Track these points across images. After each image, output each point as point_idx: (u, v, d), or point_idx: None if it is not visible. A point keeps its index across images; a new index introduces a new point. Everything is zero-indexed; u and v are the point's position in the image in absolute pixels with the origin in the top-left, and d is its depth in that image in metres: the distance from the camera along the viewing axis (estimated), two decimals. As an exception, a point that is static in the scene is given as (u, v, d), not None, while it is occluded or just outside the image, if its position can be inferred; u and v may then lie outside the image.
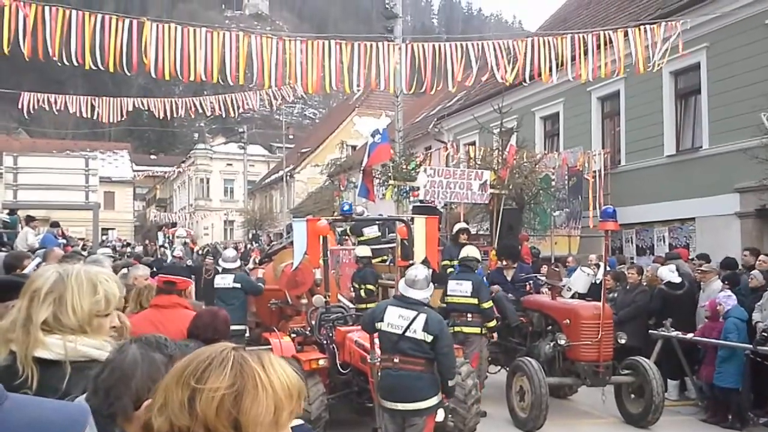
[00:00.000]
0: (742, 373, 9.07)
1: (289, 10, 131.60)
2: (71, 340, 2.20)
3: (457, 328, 9.31)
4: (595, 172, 17.34)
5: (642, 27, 12.07)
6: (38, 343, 2.18)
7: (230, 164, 62.64)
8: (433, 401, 6.17)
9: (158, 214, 62.98)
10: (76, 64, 9.97)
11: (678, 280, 10.74)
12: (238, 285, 11.06)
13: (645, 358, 9.62)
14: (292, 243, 10.84)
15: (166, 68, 10.21)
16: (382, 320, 6.31)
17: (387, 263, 12.70)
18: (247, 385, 1.27)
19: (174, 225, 44.19)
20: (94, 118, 19.73)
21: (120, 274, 6.84)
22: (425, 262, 9.03)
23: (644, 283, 11.49)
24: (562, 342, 9.27)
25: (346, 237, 15.18)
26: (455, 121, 26.31)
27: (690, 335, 10.04)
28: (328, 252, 9.53)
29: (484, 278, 10.42)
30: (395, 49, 11.70)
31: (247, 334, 11.21)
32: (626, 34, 12.02)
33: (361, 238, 13.65)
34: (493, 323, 9.66)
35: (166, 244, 28.56)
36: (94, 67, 10.22)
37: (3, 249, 12.80)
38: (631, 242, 17.18)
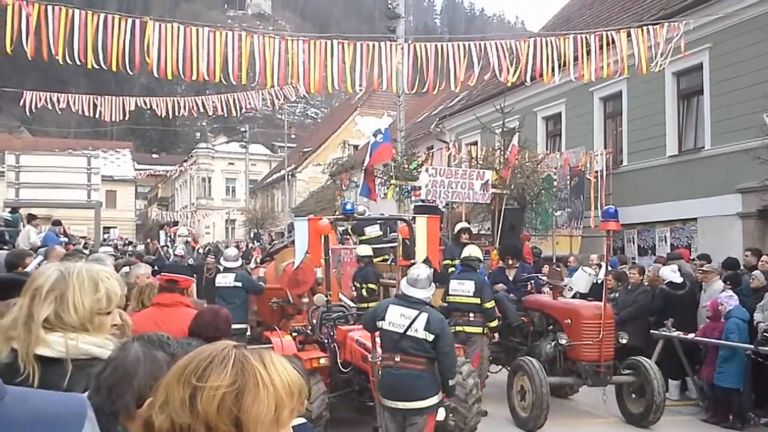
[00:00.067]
0: (743, 373, 9.06)
1: (292, 10, 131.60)
2: (73, 338, 2.20)
3: (458, 328, 9.31)
4: (597, 172, 17.33)
5: (645, 27, 12.08)
6: (40, 340, 2.18)
7: (232, 163, 62.67)
8: (433, 400, 6.18)
9: (160, 213, 63.07)
10: (78, 63, 9.99)
11: (680, 280, 10.74)
12: (239, 284, 11.07)
13: (646, 358, 9.62)
14: (293, 242, 10.84)
15: (168, 67, 10.23)
16: (383, 319, 6.32)
17: (388, 263, 12.70)
18: (248, 383, 1.28)
19: (176, 224, 44.22)
20: (97, 116, 19.77)
21: (122, 273, 6.85)
22: (427, 261, 9.04)
23: (646, 283, 11.49)
24: (564, 342, 9.28)
25: (348, 236, 15.19)
26: (457, 120, 26.30)
27: (691, 335, 10.04)
28: (330, 251, 9.53)
29: (486, 278, 10.43)
30: (397, 49, 11.71)
31: (248, 333, 11.22)
32: (629, 34, 12.02)
33: (363, 238, 13.66)
34: (495, 323, 9.66)
35: (168, 243, 28.57)
36: (96, 67, 10.24)
37: (5, 247, 12.81)
38: (633, 242, 17.17)
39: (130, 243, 37.49)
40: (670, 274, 10.79)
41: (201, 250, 26.08)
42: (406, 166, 19.22)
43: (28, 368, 2.13)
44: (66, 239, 18.98)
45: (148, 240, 38.65)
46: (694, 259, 12.65)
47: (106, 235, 34.65)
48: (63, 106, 18.89)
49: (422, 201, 15.09)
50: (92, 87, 46.67)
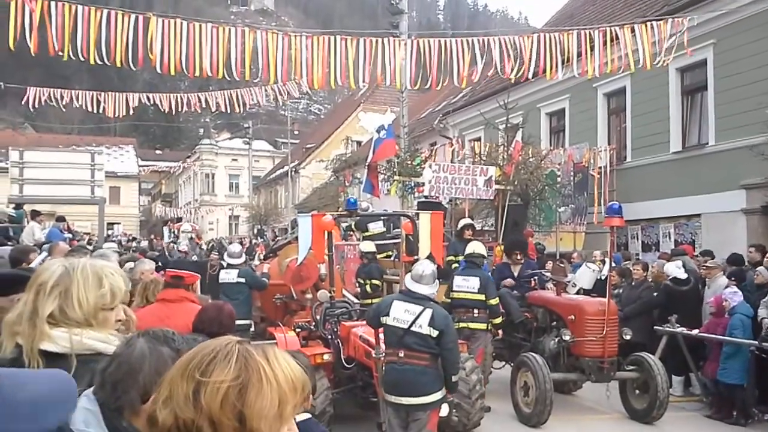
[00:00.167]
0: (747, 369, 9.06)
1: (295, 6, 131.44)
2: (77, 334, 2.21)
3: (463, 324, 9.30)
4: (600, 168, 17.31)
5: (649, 23, 12.04)
6: (44, 336, 2.19)
7: (235, 159, 62.71)
8: (437, 396, 6.18)
9: (164, 209, 63.11)
10: (82, 59, 9.99)
11: (684, 276, 10.72)
12: (243, 280, 11.08)
13: (650, 354, 9.61)
14: (296, 238, 10.85)
15: (171, 63, 10.24)
16: (387, 315, 6.33)
17: (392, 259, 12.71)
18: (251, 379, 1.28)
19: (179, 220, 44.34)
20: (100, 113, 19.78)
21: (126, 269, 6.86)
22: (430, 257, 9.04)
23: (650, 280, 11.48)
24: (567, 338, 9.27)
25: (351, 232, 15.19)
26: (460, 116, 26.27)
27: (695, 331, 10.04)
28: (333, 247, 9.54)
29: (490, 273, 10.43)
30: (401, 45, 11.69)
31: (252, 329, 11.23)
32: (633, 30, 11.99)
33: (366, 234, 13.66)
34: (499, 320, 9.67)
35: (173, 239, 28.64)
36: (99, 63, 10.24)
37: (9, 243, 12.82)
38: (637, 238, 17.14)
39: (134, 239, 37.56)
40: (675, 270, 10.78)
41: (204, 247, 26.15)
42: (409, 162, 19.24)
43: (32, 363, 2.13)
44: (70, 235, 19.02)
45: (152, 236, 38.74)
46: (697, 256, 12.64)
47: (110, 231, 34.70)
48: (66, 102, 18.91)
49: (425, 197, 15.10)
50: (95, 83, 46.70)
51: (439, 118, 27.67)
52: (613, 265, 10.74)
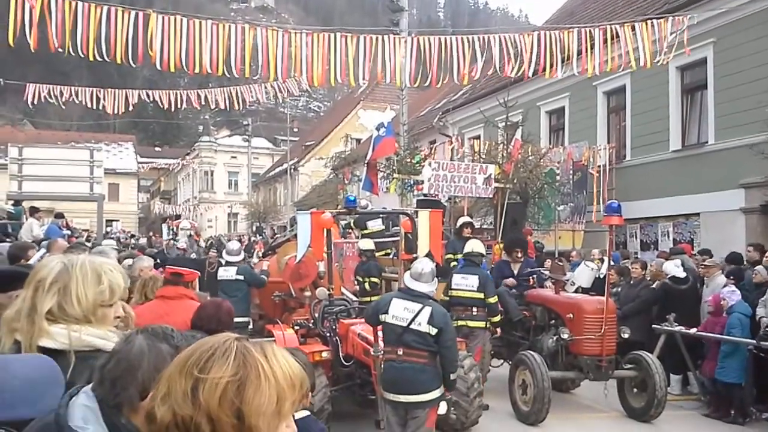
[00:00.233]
0: (745, 368, 9.07)
1: (295, 3, 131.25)
2: (76, 330, 2.21)
3: (461, 322, 9.30)
4: (600, 166, 17.31)
5: (649, 21, 12.03)
6: (43, 332, 2.19)
7: (234, 157, 62.66)
8: (435, 394, 6.19)
9: (162, 207, 63.06)
10: (81, 55, 9.98)
11: (683, 275, 10.73)
12: (241, 277, 11.08)
13: (648, 352, 9.62)
14: (295, 236, 10.84)
15: (171, 60, 10.22)
16: (386, 312, 6.33)
17: (390, 257, 12.71)
18: (249, 375, 1.28)
19: (178, 217, 44.28)
20: (99, 109, 19.77)
21: (124, 266, 6.85)
22: (429, 255, 9.04)
23: (648, 278, 11.49)
24: (565, 336, 9.28)
25: (350, 230, 15.19)
26: (460, 114, 26.27)
27: (693, 330, 10.04)
28: (332, 245, 9.54)
29: (489, 271, 10.43)
30: (401, 43, 11.67)
31: (251, 326, 11.24)
32: (633, 28, 11.98)
33: (365, 232, 13.66)
34: (497, 318, 9.67)
35: (172, 237, 28.62)
36: (99, 59, 10.22)
37: (7, 240, 12.82)
38: (636, 237, 17.15)
39: (133, 236, 37.54)
40: (674, 268, 10.78)
41: (203, 244, 26.13)
42: (408, 160, 19.22)
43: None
44: (68, 232, 19.04)
45: (151, 233, 38.72)
46: (695, 254, 12.65)
47: (108, 229, 34.67)
48: (66, 98, 18.89)
49: (425, 195, 15.10)
50: (95, 79, 46.56)
51: (439, 116, 27.66)
52: (612, 263, 10.75)
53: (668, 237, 16.08)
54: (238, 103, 19.94)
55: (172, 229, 31.04)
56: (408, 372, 6.15)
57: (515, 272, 10.74)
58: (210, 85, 33.71)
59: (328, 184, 34.79)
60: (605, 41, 12.30)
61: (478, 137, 22.24)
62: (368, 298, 10.35)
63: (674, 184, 15.64)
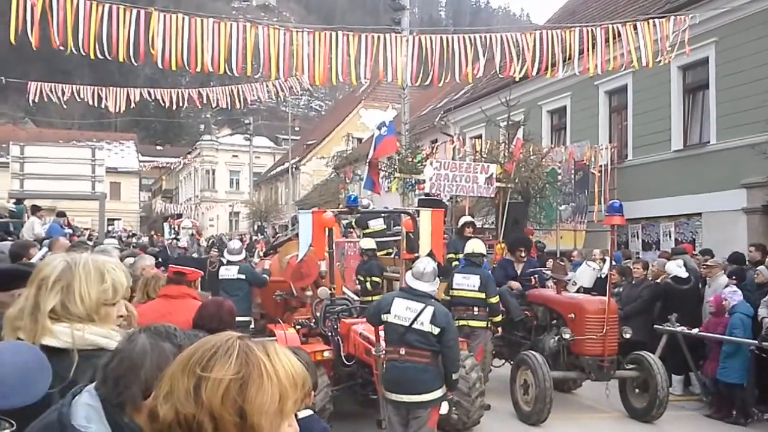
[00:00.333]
0: (747, 368, 9.06)
1: (296, 1, 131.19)
2: (79, 329, 2.21)
3: (462, 322, 9.28)
4: (601, 166, 17.29)
5: (651, 21, 12.02)
6: (46, 331, 2.19)
7: (236, 156, 62.70)
8: (437, 393, 6.18)
9: (164, 205, 63.10)
10: (83, 54, 9.97)
11: (685, 275, 10.71)
12: (243, 276, 11.07)
13: (650, 352, 9.60)
14: (297, 235, 10.85)
15: (172, 59, 10.21)
16: (389, 312, 6.33)
17: (392, 256, 12.70)
18: (252, 374, 1.28)
19: (180, 216, 44.29)
20: (101, 108, 19.77)
21: (125, 264, 6.85)
22: (430, 255, 9.03)
23: (650, 278, 11.48)
24: (567, 336, 9.27)
25: (352, 229, 15.18)
26: (462, 114, 26.26)
27: (695, 330, 10.03)
28: (334, 244, 9.54)
29: (491, 271, 10.42)
30: (402, 42, 11.66)
31: (252, 326, 11.23)
32: (635, 27, 11.97)
33: (367, 231, 13.65)
34: (499, 318, 9.67)
35: (174, 235, 28.62)
36: (101, 57, 10.22)
37: (9, 238, 12.83)
38: (637, 237, 17.14)
39: (134, 235, 37.57)
40: (676, 269, 10.77)
41: (204, 243, 26.14)
42: (410, 159, 19.22)
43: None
44: (70, 231, 19.04)
45: (153, 232, 38.74)
46: (696, 254, 12.64)
47: (110, 227, 34.72)
48: (68, 96, 18.90)
49: (426, 194, 15.09)
50: (96, 78, 46.56)
51: (440, 116, 27.65)
52: (614, 263, 10.73)
53: (670, 237, 16.07)
54: (240, 101, 19.95)
55: (174, 228, 31.03)
56: (410, 372, 6.15)
57: (518, 272, 10.73)
58: (211, 83, 33.73)
59: (329, 183, 34.82)
60: (607, 40, 12.29)
61: (480, 136, 22.23)
62: (370, 298, 10.34)
63: (676, 184, 15.62)
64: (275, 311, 10.96)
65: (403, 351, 6.20)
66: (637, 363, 9.40)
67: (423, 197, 15.63)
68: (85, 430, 1.68)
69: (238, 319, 5.38)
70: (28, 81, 19.70)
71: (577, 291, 10.35)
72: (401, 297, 6.42)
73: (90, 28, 9.71)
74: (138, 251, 11.67)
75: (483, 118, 18.68)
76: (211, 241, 26.95)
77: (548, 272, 11.31)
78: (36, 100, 19.32)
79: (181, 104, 20.70)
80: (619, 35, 12.17)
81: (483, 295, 9.42)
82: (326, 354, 8.08)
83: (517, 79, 13.36)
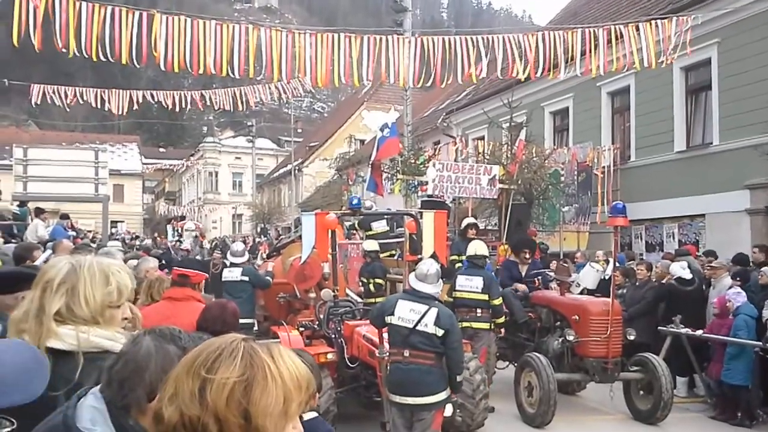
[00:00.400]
0: (752, 370, 9.03)
1: (299, 3, 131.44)
2: (84, 331, 2.21)
3: (465, 324, 9.26)
4: (604, 167, 17.27)
5: (653, 22, 12.01)
6: (51, 333, 2.19)
7: (239, 158, 62.74)
8: (441, 396, 6.17)
9: (167, 207, 63.19)
10: (86, 56, 9.99)
11: (689, 276, 10.69)
12: (246, 278, 11.08)
13: (654, 354, 9.59)
14: (300, 237, 10.85)
15: (175, 61, 10.22)
16: (392, 314, 6.32)
17: (395, 258, 12.70)
18: (256, 376, 1.28)
19: (183, 218, 44.37)
20: (104, 110, 19.81)
21: (129, 266, 6.85)
22: (434, 256, 9.03)
23: (654, 280, 11.45)
24: (571, 338, 9.26)
25: (355, 231, 15.19)
26: (464, 115, 26.26)
27: (699, 332, 10.01)
28: (337, 246, 9.53)
29: (493, 273, 10.41)
30: (404, 43, 11.67)
31: (256, 328, 11.24)
32: (638, 28, 11.96)
33: (370, 233, 13.66)
34: (502, 319, 9.65)
35: (177, 237, 28.67)
36: (103, 59, 10.24)
37: (13, 241, 12.85)
38: (641, 238, 17.11)
39: (137, 237, 37.62)
40: (680, 270, 10.75)
41: (207, 245, 26.18)
42: (413, 160, 19.22)
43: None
44: (74, 233, 19.07)
45: (156, 234, 38.79)
46: (700, 256, 12.62)
47: (113, 230, 34.78)
48: (70, 99, 18.92)
49: (429, 196, 15.08)
50: (99, 80, 46.67)
51: (443, 117, 27.66)
52: (617, 265, 10.71)
53: (673, 238, 16.04)
54: (242, 103, 19.97)
55: (177, 230, 31.10)
56: (414, 374, 6.14)
57: (523, 273, 10.72)
58: (214, 85, 33.74)
59: (332, 185, 34.79)
60: (609, 42, 12.28)
61: (483, 138, 22.21)
62: (373, 300, 10.34)
63: (679, 185, 15.60)
64: (278, 313, 10.97)
65: (407, 353, 6.18)
66: (641, 365, 9.38)
67: (426, 199, 15.62)
68: (90, 433, 1.68)
69: (241, 321, 5.39)
70: (31, 83, 19.71)
71: (581, 292, 10.34)
72: (405, 299, 6.41)
73: (92, 30, 9.73)
74: (141, 253, 11.69)
75: (485, 120, 18.67)
76: (214, 243, 26.99)
77: (552, 274, 11.30)
78: (39, 103, 19.34)
79: (183, 106, 20.72)
80: (622, 36, 12.16)
81: (486, 297, 9.41)
82: (330, 356, 8.07)
83: (522, 80, 13.31)
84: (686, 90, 16.19)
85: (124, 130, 69.11)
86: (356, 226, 14.99)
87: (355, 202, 11.87)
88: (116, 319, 2.32)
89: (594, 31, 12.20)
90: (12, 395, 1.64)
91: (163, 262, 11.79)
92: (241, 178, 63.19)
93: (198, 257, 20.48)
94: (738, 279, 10.01)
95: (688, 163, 15.79)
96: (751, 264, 10.96)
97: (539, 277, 10.82)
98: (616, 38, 12.24)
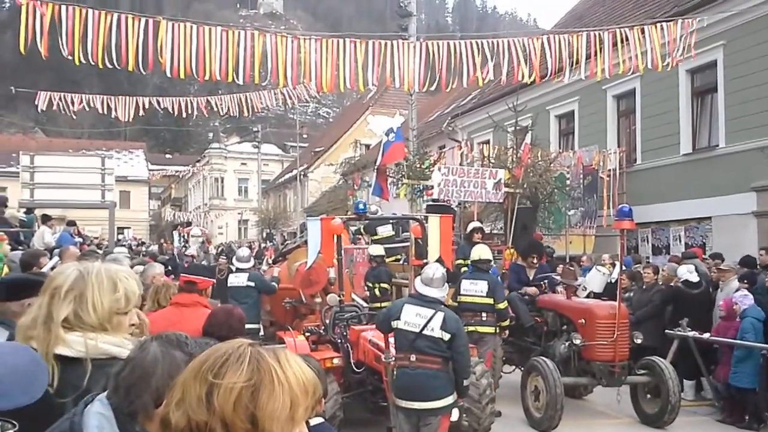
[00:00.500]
0: (759, 373, 8.99)
1: (304, 9, 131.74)
2: (92, 338, 2.21)
3: (471, 328, 9.25)
4: (610, 170, 17.25)
5: (658, 24, 12.00)
6: (59, 340, 2.20)
7: (244, 163, 62.84)
8: (448, 400, 6.17)
9: (173, 214, 63.31)
10: (92, 63, 10.03)
11: (696, 279, 10.66)
12: (252, 283, 11.09)
13: (661, 358, 9.56)
14: (306, 242, 10.85)
15: (181, 67, 10.25)
16: (398, 318, 6.32)
17: (401, 262, 12.69)
18: (263, 381, 1.29)
19: (189, 224, 44.45)
20: (110, 117, 19.87)
21: (135, 272, 6.86)
22: (439, 261, 9.02)
23: (660, 283, 11.42)
24: (578, 342, 9.24)
25: (360, 236, 15.19)
26: (469, 119, 26.25)
27: (706, 335, 9.97)
28: (342, 251, 9.54)
29: (500, 277, 10.39)
30: (409, 48, 11.68)
31: (262, 333, 11.25)
32: (642, 31, 11.95)
33: (375, 237, 13.66)
34: (507, 323, 9.64)
35: (183, 243, 28.72)
36: (109, 66, 10.28)
37: (20, 248, 12.88)
38: (647, 241, 17.07)
39: (143, 243, 37.69)
40: (687, 273, 10.71)
41: (213, 251, 26.22)
42: (418, 165, 19.21)
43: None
44: (80, 240, 19.10)
45: (162, 240, 38.87)
46: (706, 258, 12.58)
47: (120, 236, 34.85)
48: (77, 105, 19.00)
49: (434, 200, 15.08)
50: (105, 87, 46.93)
51: (448, 121, 27.65)
52: (624, 268, 10.69)
53: (680, 241, 15.99)
54: (248, 109, 20.01)
55: (183, 236, 31.14)
56: (421, 378, 6.13)
57: (530, 277, 10.70)
58: (219, 91, 33.86)
59: (337, 190, 34.86)
60: (614, 44, 12.27)
61: (488, 142, 22.22)
62: (379, 304, 10.33)
63: (685, 188, 15.56)
64: (284, 318, 10.98)
65: (413, 357, 6.18)
66: (648, 368, 9.35)
67: (431, 203, 15.62)
68: (97, 439, 1.68)
69: (247, 326, 5.40)
70: (38, 91, 19.82)
71: (588, 296, 10.31)
72: (411, 303, 6.41)
73: (99, 37, 9.77)
74: (148, 259, 11.71)
75: (491, 124, 18.66)
76: (220, 249, 27.01)
77: (558, 277, 11.27)
78: (45, 110, 19.44)
79: (189, 112, 20.77)
80: (627, 39, 12.15)
81: (491, 301, 9.40)
82: (336, 361, 8.07)
83: (528, 83, 13.32)
84: (692, 92, 16.16)
85: (130, 136, 69.35)
86: (362, 230, 14.99)
87: (360, 206, 11.87)
88: (124, 326, 2.33)
89: (599, 34, 12.20)
90: (12, 397, 1.65)
91: (169, 268, 11.82)
92: (247, 183, 63.27)
93: (204, 263, 20.51)
94: (745, 281, 9.98)
95: (695, 166, 15.75)
96: (758, 266, 10.92)
97: (545, 281, 10.81)
98: (622, 41, 12.23)
